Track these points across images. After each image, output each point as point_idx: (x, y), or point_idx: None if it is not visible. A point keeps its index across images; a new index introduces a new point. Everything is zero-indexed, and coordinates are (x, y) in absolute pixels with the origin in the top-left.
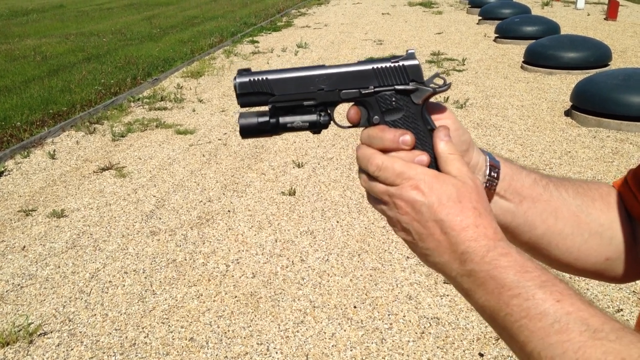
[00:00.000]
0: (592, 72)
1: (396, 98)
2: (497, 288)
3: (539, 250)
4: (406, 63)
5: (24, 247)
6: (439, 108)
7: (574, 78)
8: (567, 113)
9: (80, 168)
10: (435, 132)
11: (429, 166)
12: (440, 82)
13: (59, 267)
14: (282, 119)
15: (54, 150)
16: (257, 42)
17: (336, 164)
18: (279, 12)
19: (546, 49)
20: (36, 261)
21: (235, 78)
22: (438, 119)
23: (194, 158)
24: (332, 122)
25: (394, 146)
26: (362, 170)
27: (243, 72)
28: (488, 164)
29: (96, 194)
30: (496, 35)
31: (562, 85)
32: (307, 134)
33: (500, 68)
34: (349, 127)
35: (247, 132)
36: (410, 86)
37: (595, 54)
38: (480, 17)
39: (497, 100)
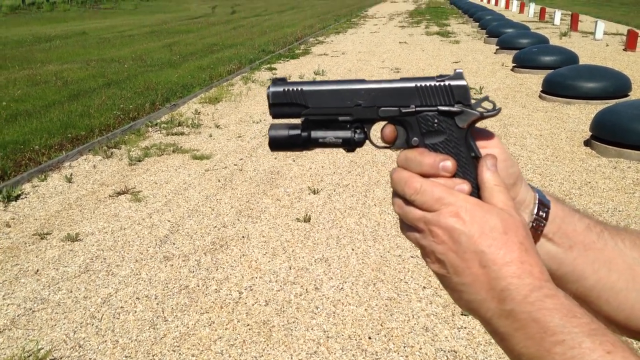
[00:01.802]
0: (612, 102)
1: (439, 120)
2: (539, 333)
3: (588, 304)
4: (452, 83)
5: (37, 270)
6: (486, 135)
7: (593, 108)
8: (587, 143)
9: (96, 192)
10: (481, 161)
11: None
12: (489, 106)
13: (71, 291)
14: (314, 134)
15: (71, 174)
16: (274, 69)
17: (352, 190)
18: (297, 40)
19: (565, 79)
20: (49, 285)
21: (269, 87)
22: (484, 147)
23: (210, 183)
24: (367, 140)
25: (432, 172)
26: (396, 195)
27: (278, 81)
28: (537, 201)
29: (111, 218)
30: (514, 64)
31: (581, 115)
32: (326, 156)
33: (518, 97)
34: (384, 147)
35: (276, 144)
36: (455, 108)
37: (614, 84)
38: (497, 47)
39: (515, 129)
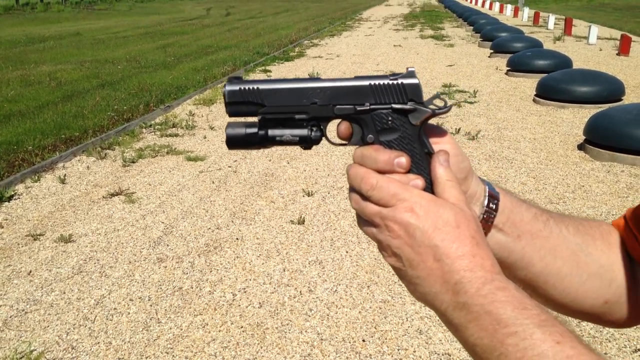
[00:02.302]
0: (605, 106)
1: (393, 117)
2: (492, 324)
3: (535, 289)
4: (405, 81)
5: (30, 271)
6: (439, 131)
7: (587, 112)
8: (580, 147)
9: (89, 193)
10: (434, 157)
11: (424, 191)
12: (441, 103)
13: (64, 292)
14: (271, 132)
15: (65, 175)
16: (269, 71)
17: (346, 193)
18: (291, 42)
19: (558, 83)
20: (41, 286)
21: (225, 85)
22: (437, 143)
23: (204, 185)
24: (323, 138)
25: (387, 168)
26: (353, 190)
27: (234, 79)
28: (487, 194)
29: (104, 219)
30: (508, 68)
31: (574, 119)
32: (320, 158)
33: (512, 101)
34: (341, 144)
35: (233, 142)
36: (408, 106)
37: (608, 89)
38: (491, 51)
39: (509, 133)
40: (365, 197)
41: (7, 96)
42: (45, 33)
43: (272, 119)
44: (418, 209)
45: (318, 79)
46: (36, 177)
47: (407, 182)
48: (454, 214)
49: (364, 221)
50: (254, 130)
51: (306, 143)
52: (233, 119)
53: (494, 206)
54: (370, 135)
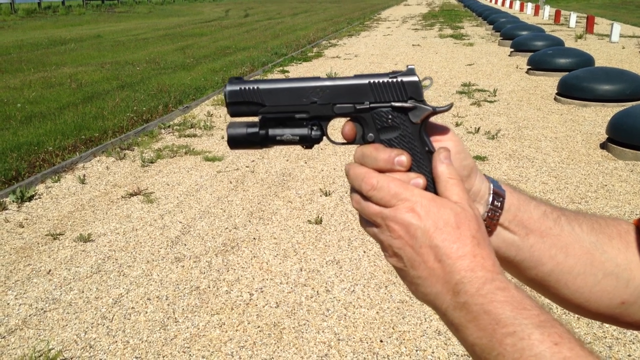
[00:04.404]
0: (628, 105)
1: (393, 115)
2: (490, 324)
3: (547, 289)
4: (405, 79)
5: (50, 271)
6: (441, 129)
7: (609, 111)
8: (603, 146)
9: (109, 193)
10: (435, 154)
11: (426, 190)
12: (427, 83)
13: (83, 292)
14: (271, 131)
15: (84, 175)
16: (287, 71)
17: None
18: (309, 43)
19: (580, 81)
20: (60, 285)
21: (225, 86)
22: (438, 141)
23: (221, 185)
24: (324, 137)
25: (388, 167)
26: (354, 190)
27: (234, 80)
28: (491, 191)
29: (123, 219)
30: (528, 67)
31: (596, 117)
32: (338, 158)
33: (533, 100)
34: (343, 143)
35: (235, 142)
36: (408, 104)
37: (631, 87)
38: (512, 49)
39: (530, 132)
40: (366, 198)
41: (29, 98)
42: (67, 35)
43: (273, 118)
44: (419, 209)
45: (318, 78)
46: (56, 177)
47: (407, 180)
48: (454, 214)
49: (365, 221)
50: (255, 129)
51: (306, 142)
52: (235, 119)
53: (499, 204)
54: (370, 134)
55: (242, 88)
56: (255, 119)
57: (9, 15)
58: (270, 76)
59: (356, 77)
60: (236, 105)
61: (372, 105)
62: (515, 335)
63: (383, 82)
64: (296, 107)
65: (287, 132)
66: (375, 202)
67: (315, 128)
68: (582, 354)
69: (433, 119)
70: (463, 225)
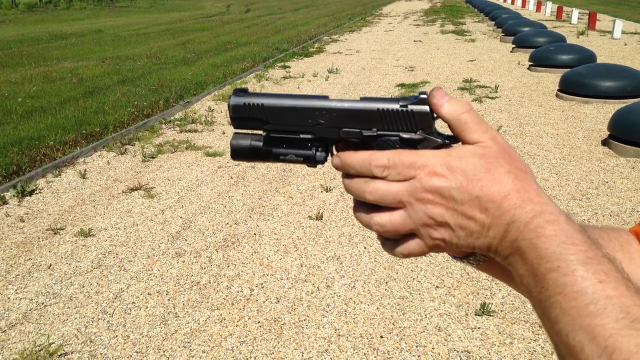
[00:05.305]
0: (630, 101)
1: (400, 146)
2: (536, 259)
3: None
4: (415, 108)
5: (50, 265)
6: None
7: (611, 107)
8: (604, 142)
9: (109, 188)
10: (431, 100)
11: None
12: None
13: (84, 286)
14: (275, 150)
15: (85, 170)
16: (288, 67)
17: None
18: (311, 38)
19: (582, 78)
20: (61, 280)
21: (230, 97)
22: None
23: (222, 180)
24: (329, 157)
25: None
26: (361, 180)
27: (239, 92)
28: None
29: (124, 214)
30: (530, 63)
31: (598, 114)
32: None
33: (535, 96)
34: None
35: (237, 154)
36: (417, 135)
37: (633, 83)
38: (513, 45)
39: (531, 129)
40: (378, 180)
41: (30, 92)
42: (68, 30)
43: (277, 137)
44: (441, 170)
45: (325, 98)
46: (57, 172)
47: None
48: (478, 158)
49: (387, 212)
50: (259, 144)
51: (310, 163)
52: (239, 130)
53: None
54: None
55: (246, 103)
56: (261, 131)
57: (10, 9)
58: (271, 72)
59: (364, 100)
60: (240, 120)
61: (379, 132)
62: (558, 270)
63: (392, 109)
64: (301, 127)
65: (291, 152)
66: (393, 179)
67: (320, 149)
68: (627, 294)
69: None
70: (493, 166)
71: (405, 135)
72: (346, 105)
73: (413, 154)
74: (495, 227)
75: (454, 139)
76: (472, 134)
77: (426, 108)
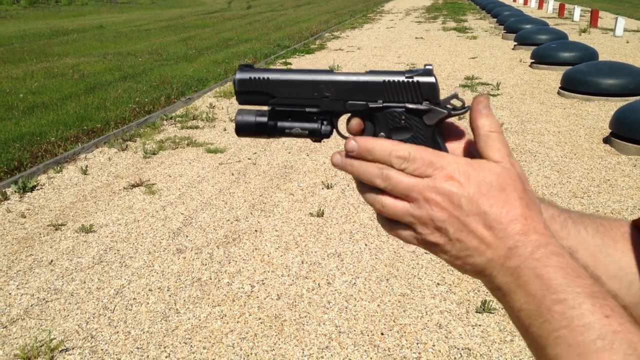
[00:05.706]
0: (632, 99)
1: (406, 117)
2: (541, 289)
3: None
4: (421, 80)
5: (52, 261)
6: (456, 133)
7: (613, 105)
8: (606, 140)
9: (111, 184)
10: (474, 105)
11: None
12: (458, 103)
13: (85, 282)
14: (280, 123)
15: (86, 166)
16: (290, 63)
17: None
18: (312, 35)
19: (584, 75)
20: (62, 276)
21: (235, 73)
22: (453, 144)
23: (223, 177)
24: (334, 132)
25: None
26: (375, 169)
27: (245, 67)
28: None
29: (125, 210)
30: (532, 60)
31: (600, 112)
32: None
33: (536, 93)
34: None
35: (242, 130)
36: (423, 106)
37: (635, 81)
38: (515, 43)
39: (533, 126)
40: (395, 171)
41: (31, 88)
42: (69, 26)
43: (282, 110)
44: (458, 176)
45: (331, 72)
46: (58, 168)
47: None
48: (497, 175)
49: (393, 200)
50: (264, 119)
51: (316, 136)
52: (244, 106)
53: None
54: (382, 133)
55: (252, 77)
56: (265, 107)
57: (12, 5)
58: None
59: (371, 73)
60: (245, 94)
61: (385, 104)
62: (565, 303)
63: (398, 81)
64: (307, 100)
65: (297, 126)
66: (410, 173)
67: (325, 123)
68: (633, 330)
69: (453, 119)
70: (508, 187)
71: (411, 106)
72: (352, 78)
73: (435, 154)
74: (495, 249)
75: (460, 110)
76: (495, 153)
77: (432, 79)
